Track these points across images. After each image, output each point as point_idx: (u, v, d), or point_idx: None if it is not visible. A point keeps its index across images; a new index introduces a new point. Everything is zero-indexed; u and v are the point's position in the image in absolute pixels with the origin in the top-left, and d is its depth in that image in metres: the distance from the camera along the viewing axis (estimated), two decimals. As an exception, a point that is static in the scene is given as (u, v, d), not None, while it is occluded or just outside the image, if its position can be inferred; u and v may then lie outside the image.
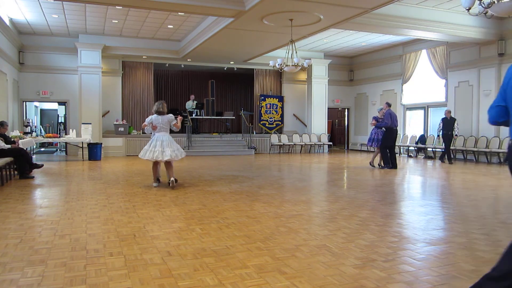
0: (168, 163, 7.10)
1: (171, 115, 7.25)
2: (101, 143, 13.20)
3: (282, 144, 16.23)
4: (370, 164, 10.80)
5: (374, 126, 10.77)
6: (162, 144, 6.95)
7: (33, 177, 8.30)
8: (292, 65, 10.48)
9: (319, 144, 16.67)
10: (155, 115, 7.11)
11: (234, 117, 17.54)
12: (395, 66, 15.99)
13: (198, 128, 17.11)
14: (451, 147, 13.09)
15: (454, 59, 13.51)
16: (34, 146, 14.62)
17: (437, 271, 3.10)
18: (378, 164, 10.74)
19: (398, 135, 15.57)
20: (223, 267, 3.14)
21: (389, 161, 10.51)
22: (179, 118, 7.22)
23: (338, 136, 20.28)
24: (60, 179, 8.39)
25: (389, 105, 10.66)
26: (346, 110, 18.90)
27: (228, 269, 3.09)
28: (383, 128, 10.57)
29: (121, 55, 14.73)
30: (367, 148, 17.29)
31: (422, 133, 14.87)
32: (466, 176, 9.05)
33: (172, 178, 6.93)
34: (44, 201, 6.01)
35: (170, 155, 6.91)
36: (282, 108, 17.48)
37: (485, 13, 5.92)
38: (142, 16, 11.55)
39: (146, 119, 7.21)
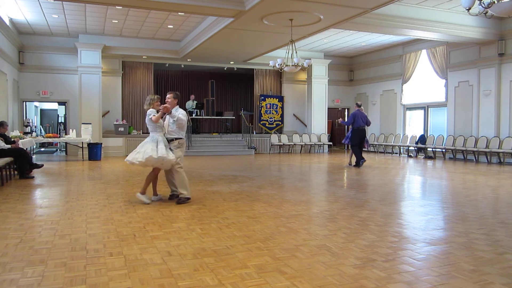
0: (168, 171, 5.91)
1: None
2: (101, 143, 13.20)
3: (282, 144, 16.23)
4: (349, 165, 11.05)
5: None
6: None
7: (33, 177, 8.30)
8: (292, 65, 10.49)
9: (319, 144, 16.67)
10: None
11: (234, 117, 17.54)
12: (395, 66, 15.99)
13: (198, 128, 17.11)
14: (452, 147, 13.11)
15: (454, 59, 13.51)
16: (34, 146, 14.61)
17: (437, 271, 3.10)
18: (349, 163, 11.10)
19: (397, 135, 15.63)
20: (223, 267, 3.14)
21: (360, 160, 10.85)
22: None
23: (338, 136, 20.24)
24: (60, 179, 8.39)
25: (358, 105, 11.04)
26: (346, 110, 18.90)
27: (228, 269, 3.09)
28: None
29: (121, 55, 14.73)
30: (367, 148, 17.27)
31: (422, 133, 14.87)
32: (466, 176, 9.05)
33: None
34: (44, 201, 6.01)
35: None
36: (282, 108, 17.48)
37: (485, 13, 5.92)
38: (142, 16, 11.55)
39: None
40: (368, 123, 11.06)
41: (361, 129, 10.84)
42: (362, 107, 11.11)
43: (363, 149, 11.11)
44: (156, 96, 5.76)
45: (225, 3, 8.76)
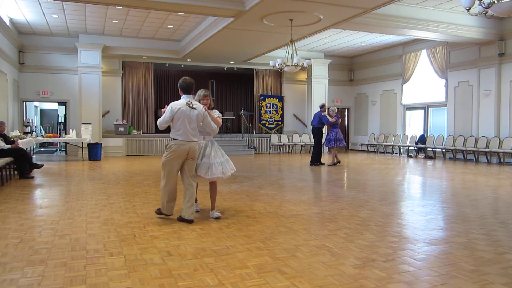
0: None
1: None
2: (101, 143, 13.20)
3: (282, 144, 16.23)
4: (334, 163, 11.24)
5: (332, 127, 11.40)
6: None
7: (33, 177, 8.30)
8: (292, 65, 10.48)
9: (319, 144, 16.65)
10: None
11: (234, 117, 17.54)
12: (395, 66, 15.99)
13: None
14: (452, 147, 13.11)
15: (454, 59, 13.51)
16: (34, 146, 14.61)
17: (437, 271, 3.10)
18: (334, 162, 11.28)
19: (397, 135, 15.62)
20: (223, 267, 3.14)
21: (319, 159, 11.25)
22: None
23: (338, 136, 20.24)
24: (60, 179, 8.39)
25: (320, 106, 11.40)
26: (346, 110, 18.90)
27: (228, 269, 3.09)
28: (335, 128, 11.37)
29: (121, 55, 14.72)
30: (367, 148, 17.31)
31: (422, 133, 14.87)
32: (466, 176, 9.05)
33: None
34: (44, 201, 6.01)
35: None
36: (282, 108, 17.48)
37: (485, 13, 5.92)
38: (142, 16, 11.55)
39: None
40: (326, 122, 11.10)
41: (313, 128, 11.32)
42: (323, 108, 11.24)
43: (342, 147, 11.38)
44: (202, 93, 4.87)
45: (225, 3, 8.75)
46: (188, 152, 4.54)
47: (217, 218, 4.75)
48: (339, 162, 11.27)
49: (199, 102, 4.76)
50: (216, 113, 4.95)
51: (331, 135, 11.13)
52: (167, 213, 4.67)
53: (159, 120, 4.61)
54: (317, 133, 11.21)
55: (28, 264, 3.19)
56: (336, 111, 11.52)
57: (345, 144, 11.65)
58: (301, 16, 9.42)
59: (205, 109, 4.68)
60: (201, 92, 4.84)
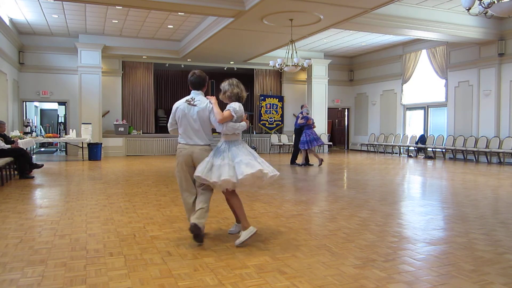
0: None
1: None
2: (101, 143, 13.20)
3: (282, 144, 16.24)
4: (319, 164, 11.05)
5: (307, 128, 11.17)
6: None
7: (33, 177, 8.30)
8: (292, 65, 10.49)
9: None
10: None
11: (234, 117, 17.51)
12: (395, 66, 15.99)
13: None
14: (452, 147, 13.11)
15: (454, 59, 13.51)
16: (34, 146, 14.61)
17: (437, 271, 3.10)
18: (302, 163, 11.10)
19: (397, 135, 15.61)
20: (223, 267, 3.14)
21: (294, 159, 11.32)
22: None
23: (338, 136, 20.27)
24: (60, 179, 8.39)
25: (301, 107, 11.36)
26: (346, 110, 18.91)
27: (228, 269, 3.09)
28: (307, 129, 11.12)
29: (121, 55, 14.72)
30: (367, 148, 17.31)
31: (422, 133, 14.87)
32: (466, 176, 9.05)
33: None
34: (44, 201, 6.01)
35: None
36: (282, 108, 17.48)
37: (485, 13, 5.92)
38: (142, 16, 11.55)
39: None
40: (295, 124, 11.04)
41: (295, 130, 11.30)
42: (303, 108, 11.12)
43: (314, 148, 11.13)
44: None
45: (225, 3, 8.75)
46: (192, 157, 3.82)
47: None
48: (307, 164, 10.94)
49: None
50: (231, 106, 4.00)
51: (305, 137, 10.81)
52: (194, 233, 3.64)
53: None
54: (298, 134, 11.11)
55: (28, 264, 3.19)
56: (307, 112, 11.14)
57: (322, 142, 11.56)
58: (301, 16, 9.42)
59: (212, 102, 3.97)
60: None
